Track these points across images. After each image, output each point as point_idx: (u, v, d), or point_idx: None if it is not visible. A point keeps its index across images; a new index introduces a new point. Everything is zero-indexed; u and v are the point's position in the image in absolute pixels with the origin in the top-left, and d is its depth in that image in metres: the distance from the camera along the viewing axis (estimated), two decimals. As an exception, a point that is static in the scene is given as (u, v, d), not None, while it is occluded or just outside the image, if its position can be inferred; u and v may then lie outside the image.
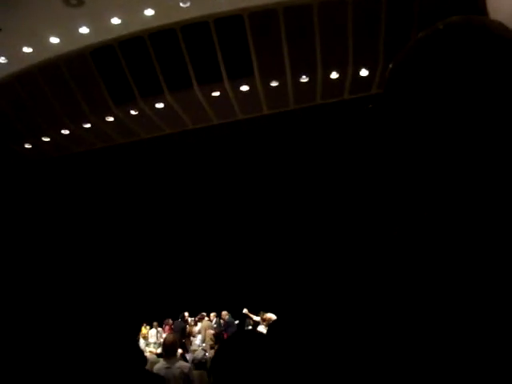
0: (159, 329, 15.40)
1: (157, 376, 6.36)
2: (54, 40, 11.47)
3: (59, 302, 13.72)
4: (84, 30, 11.27)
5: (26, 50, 11.62)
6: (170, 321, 15.38)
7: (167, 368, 6.83)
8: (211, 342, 13.54)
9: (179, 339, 14.11)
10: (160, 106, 12.71)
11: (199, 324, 14.85)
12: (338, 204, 13.32)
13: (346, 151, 13.13)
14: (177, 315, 15.47)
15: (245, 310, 14.19)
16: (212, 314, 15.06)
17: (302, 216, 14.07)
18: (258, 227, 15.09)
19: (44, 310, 12.92)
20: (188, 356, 12.21)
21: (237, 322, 14.70)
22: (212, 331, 14.00)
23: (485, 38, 0.91)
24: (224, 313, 14.96)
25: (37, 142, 13.97)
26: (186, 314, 15.43)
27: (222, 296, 15.13)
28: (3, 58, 11.82)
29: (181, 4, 10.82)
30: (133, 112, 12.90)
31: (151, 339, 14.70)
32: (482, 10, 9.70)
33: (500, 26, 0.95)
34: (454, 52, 0.90)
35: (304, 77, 12.16)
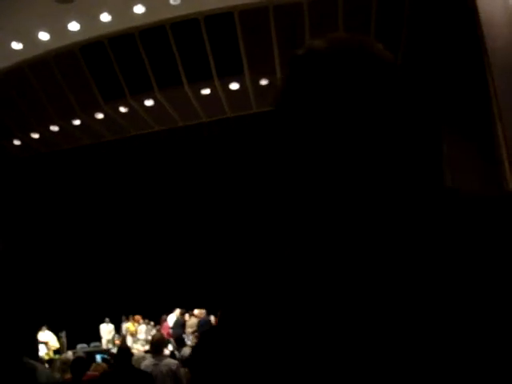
0: (150, 326, 15.24)
1: (144, 373, 6.38)
2: (44, 36, 11.40)
3: (45, 300, 13.71)
4: (74, 26, 11.21)
5: (16, 45, 11.55)
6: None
7: (155, 365, 6.83)
8: (196, 340, 13.50)
9: (180, 335, 14.03)
10: (149, 103, 12.68)
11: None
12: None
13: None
14: (158, 313, 15.34)
15: None
16: (198, 311, 14.68)
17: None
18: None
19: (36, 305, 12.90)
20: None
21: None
22: (191, 329, 13.91)
23: (363, 59, 0.89)
24: (197, 312, 14.50)
25: (26, 139, 13.91)
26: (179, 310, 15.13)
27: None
28: (-8, 53, 11.76)
29: (171, 1, 10.79)
30: (122, 109, 12.87)
31: (140, 335, 14.59)
32: (472, 9, 9.73)
33: (378, 47, 0.93)
34: (332, 75, 0.89)
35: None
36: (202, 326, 13.50)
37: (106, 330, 15.31)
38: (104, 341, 15.11)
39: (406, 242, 0.82)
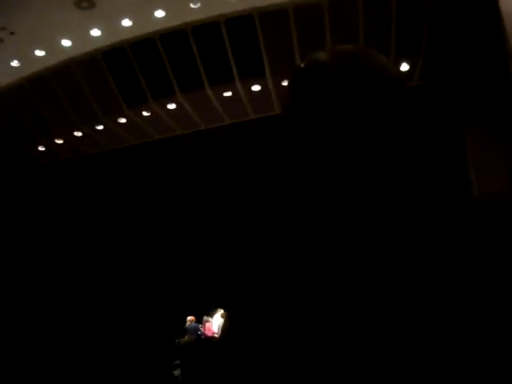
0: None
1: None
2: (66, 43, 11.54)
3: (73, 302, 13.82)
4: (95, 32, 11.34)
5: (39, 53, 11.71)
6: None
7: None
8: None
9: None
10: (172, 106, 12.73)
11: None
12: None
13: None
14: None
15: None
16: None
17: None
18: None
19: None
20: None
21: None
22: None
23: (364, 74, 0.93)
24: (189, 318, 13.78)
25: (50, 144, 14.06)
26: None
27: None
28: (16, 61, 11.92)
29: (191, 5, 10.84)
30: (145, 113, 12.95)
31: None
32: (495, 9, 9.66)
33: (380, 61, 0.97)
34: (332, 84, 0.93)
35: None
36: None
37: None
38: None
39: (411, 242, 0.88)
